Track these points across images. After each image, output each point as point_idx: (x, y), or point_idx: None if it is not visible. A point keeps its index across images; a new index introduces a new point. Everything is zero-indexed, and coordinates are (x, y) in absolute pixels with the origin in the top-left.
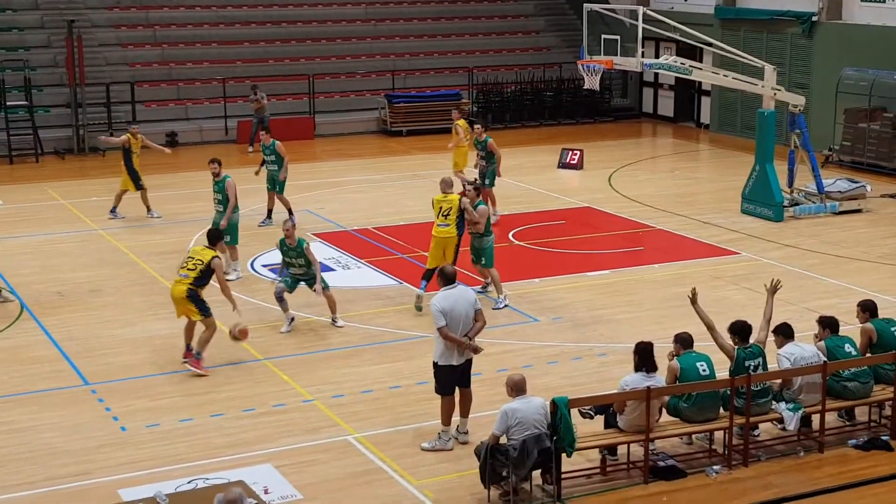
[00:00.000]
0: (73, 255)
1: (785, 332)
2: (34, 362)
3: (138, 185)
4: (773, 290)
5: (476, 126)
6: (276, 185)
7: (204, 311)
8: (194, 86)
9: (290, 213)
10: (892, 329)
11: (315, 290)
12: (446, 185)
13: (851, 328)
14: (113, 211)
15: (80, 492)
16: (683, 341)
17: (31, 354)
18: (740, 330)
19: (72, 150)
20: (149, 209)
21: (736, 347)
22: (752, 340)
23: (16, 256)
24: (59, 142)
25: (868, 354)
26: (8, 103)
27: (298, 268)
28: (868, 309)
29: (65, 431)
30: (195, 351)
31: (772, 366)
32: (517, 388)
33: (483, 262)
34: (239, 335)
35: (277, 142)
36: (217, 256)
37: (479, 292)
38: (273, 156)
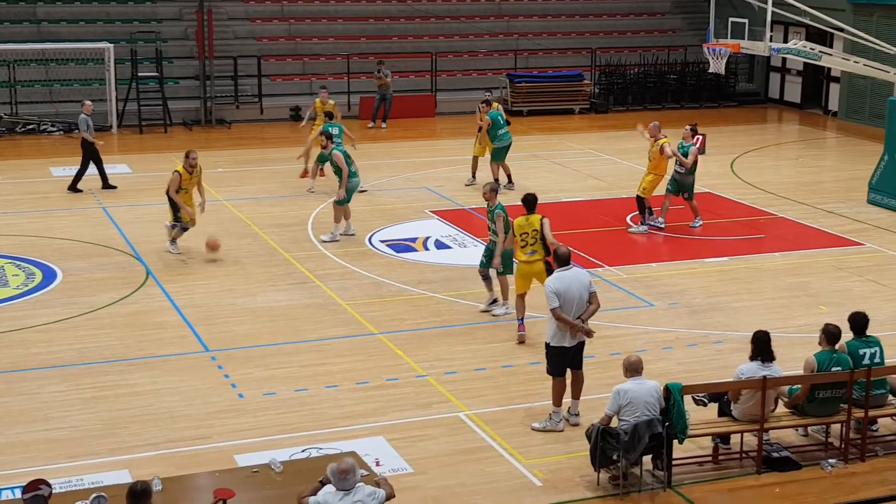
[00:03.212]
0: (198, 224)
1: None
2: (158, 327)
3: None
4: None
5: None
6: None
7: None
8: (319, 61)
9: (509, 179)
10: None
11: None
12: (655, 129)
13: None
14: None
15: (197, 455)
16: (830, 335)
17: (154, 320)
18: (853, 322)
19: (199, 121)
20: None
21: (847, 342)
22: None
23: (143, 224)
24: (186, 113)
25: None
26: (139, 74)
27: (493, 234)
28: None
29: (185, 396)
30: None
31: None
32: (632, 368)
33: (686, 195)
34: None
35: (489, 116)
36: (544, 217)
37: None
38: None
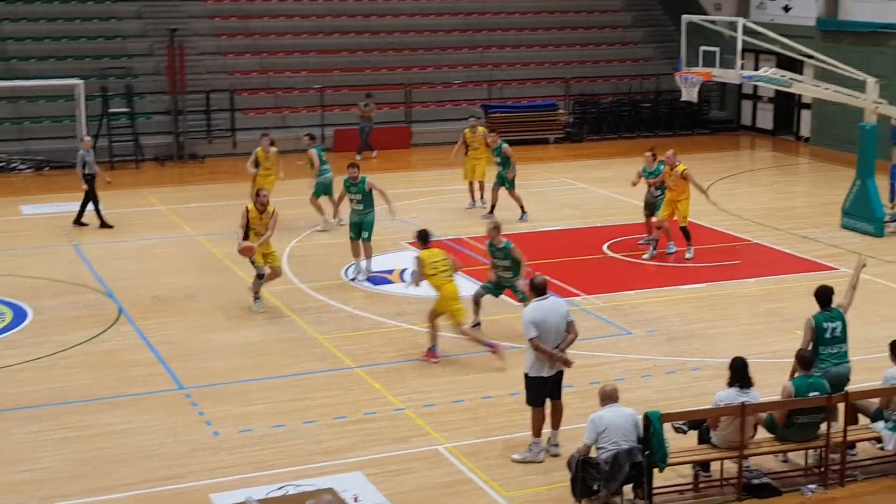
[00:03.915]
0: (171, 260)
1: None
2: (131, 365)
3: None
4: (861, 266)
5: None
6: (504, 182)
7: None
8: (292, 94)
9: (522, 209)
10: None
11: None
12: (672, 158)
13: None
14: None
15: (172, 495)
16: (803, 360)
17: (127, 358)
18: (819, 296)
19: (171, 156)
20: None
21: (814, 315)
22: (834, 305)
23: (115, 260)
24: (158, 148)
25: None
26: (110, 110)
27: (504, 270)
28: None
29: (159, 435)
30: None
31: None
32: (607, 396)
33: (655, 215)
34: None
35: (505, 144)
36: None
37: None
38: (499, 157)
